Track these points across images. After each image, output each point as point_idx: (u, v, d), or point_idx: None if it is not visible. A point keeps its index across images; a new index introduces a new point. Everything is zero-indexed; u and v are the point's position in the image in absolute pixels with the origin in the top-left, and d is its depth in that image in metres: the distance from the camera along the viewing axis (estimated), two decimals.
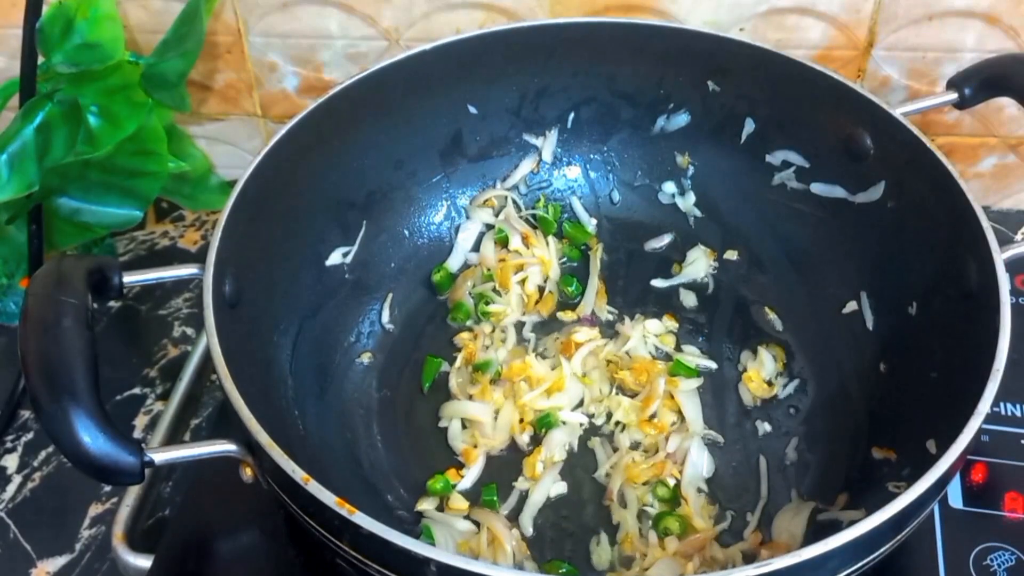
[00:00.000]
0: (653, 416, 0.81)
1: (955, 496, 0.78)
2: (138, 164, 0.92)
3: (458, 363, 0.86)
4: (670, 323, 0.89)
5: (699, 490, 0.77)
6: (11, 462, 0.88)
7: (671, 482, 0.77)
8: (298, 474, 0.58)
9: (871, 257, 0.84)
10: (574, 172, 0.97)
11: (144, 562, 0.74)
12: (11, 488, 0.86)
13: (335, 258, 0.87)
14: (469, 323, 0.90)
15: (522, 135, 0.95)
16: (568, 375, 0.83)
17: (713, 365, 0.86)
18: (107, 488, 0.85)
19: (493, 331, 0.88)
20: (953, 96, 0.82)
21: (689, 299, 0.92)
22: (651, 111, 0.93)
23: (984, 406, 0.62)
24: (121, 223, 0.96)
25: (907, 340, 0.78)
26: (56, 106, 0.86)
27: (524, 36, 0.89)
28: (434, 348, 0.88)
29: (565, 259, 0.95)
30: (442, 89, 0.89)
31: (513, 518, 0.77)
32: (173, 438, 0.84)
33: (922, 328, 0.77)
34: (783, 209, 0.90)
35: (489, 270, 0.92)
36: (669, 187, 0.95)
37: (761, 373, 0.85)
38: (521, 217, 0.95)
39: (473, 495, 0.78)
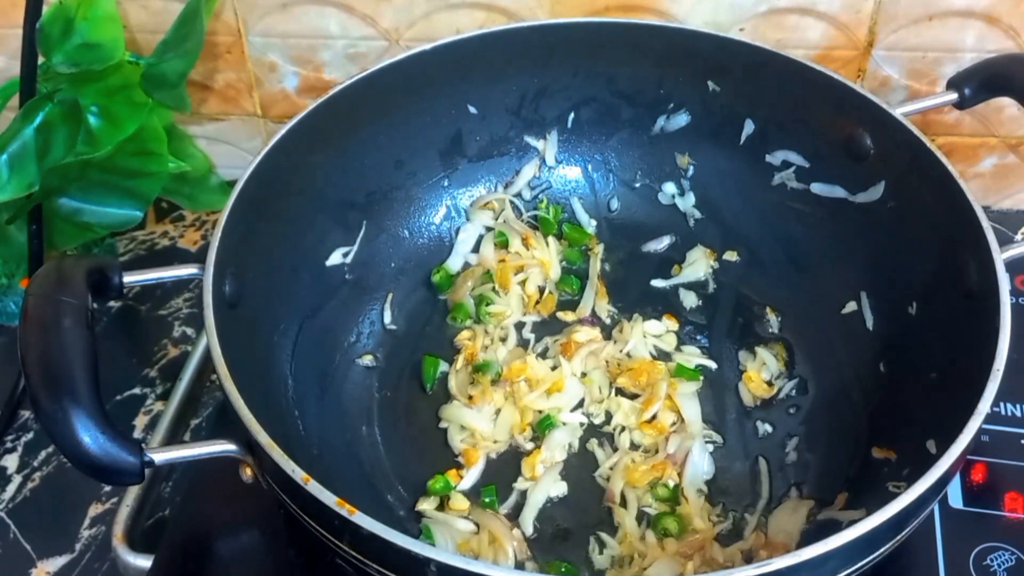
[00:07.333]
0: (653, 418, 0.81)
1: (955, 496, 0.78)
2: (138, 164, 0.93)
3: (458, 364, 0.86)
4: (670, 323, 0.89)
5: (699, 491, 0.77)
6: (11, 462, 0.88)
7: (671, 483, 0.77)
8: (298, 474, 0.58)
9: (871, 257, 0.84)
10: (574, 173, 0.97)
11: (144, 562, 0.74)
12: (11, 488, 0.86)
13: (335, 258, 0.87)
14: (469, 323, 0.90)
15: (522, 136, 0.95)
16: (568, 375, 0.83)
17: (713, 365, 0.86)
18: (107, 488, 0.85)
19: (493, 331, 0.88)
20: (953, 96, 0.82)
21: (689, 299, 0.92)
22: (651, 111, 0.93)
23: (984, 406, 0.61)
24: (121, 223, 0.96)
25: (907, 340, 0.78)
26: (56, 106, 0.87)
27: (524, 36, 0.89)
28: (434, 348, 0.88)
29: (565, 260, 0.95)
30: (442, 89, 0.89)
31: (513, 518, 0.77)
32: (173, 438, 0.84)
33: (922, 328, 0.77)
34: (783, 209, 0.90)
35: (489, 271, 0.92)
36: (669, 188, 0.95)
37: (761, 373, 0.85)
38: (522, 220, 0.95)
39: (473, 495, 0.78)
